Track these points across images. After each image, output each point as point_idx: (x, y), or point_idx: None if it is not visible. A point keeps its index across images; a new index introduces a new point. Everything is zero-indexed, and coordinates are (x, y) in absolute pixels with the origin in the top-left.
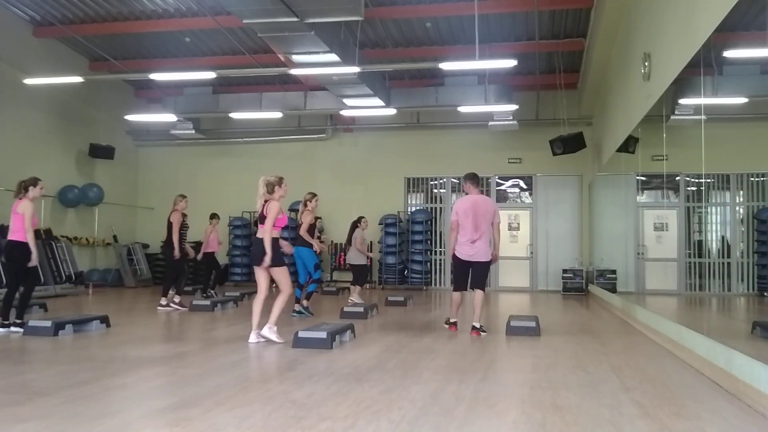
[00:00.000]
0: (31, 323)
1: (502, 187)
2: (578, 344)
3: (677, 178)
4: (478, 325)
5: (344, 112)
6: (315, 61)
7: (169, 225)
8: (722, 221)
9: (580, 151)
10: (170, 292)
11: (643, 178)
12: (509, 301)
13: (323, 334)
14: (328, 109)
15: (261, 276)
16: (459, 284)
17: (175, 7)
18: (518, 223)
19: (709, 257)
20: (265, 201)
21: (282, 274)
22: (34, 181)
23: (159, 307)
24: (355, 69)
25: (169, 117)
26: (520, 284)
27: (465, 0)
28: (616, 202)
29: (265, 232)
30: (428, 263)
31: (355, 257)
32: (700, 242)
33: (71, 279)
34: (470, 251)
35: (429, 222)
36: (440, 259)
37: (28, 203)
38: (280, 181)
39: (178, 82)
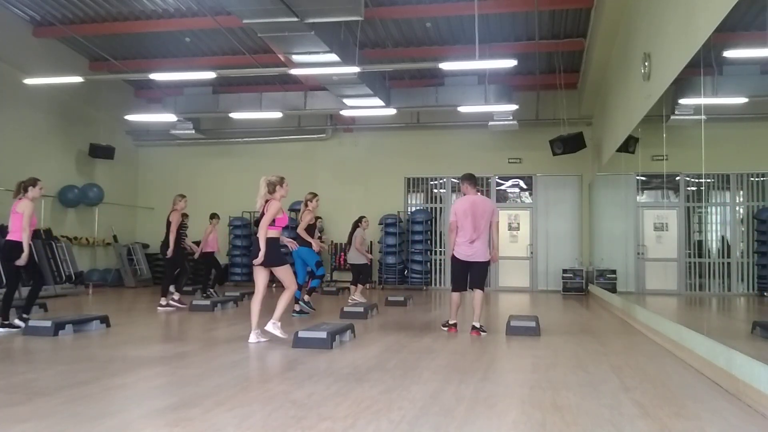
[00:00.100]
0: (31, 323)
1: (502, 187)
2: (578, 344)
3: (677, 178)
4: (478, 325)
5: (344, 112)
6: (315, 61)
7: (168, 224)
8: (722, 221)
9: (580, 151)
10: (170, 291)
11: (643, 178)
12: (509, 301)
13: (323, 334)
14: (328, 109)
15: (260, 276)
16: (458, 285)
17: (175, 7)
18: (518, 223)
19: (709, 257)
20: (266, 201)
21: (285, 273)
22: (34, 182)
23: (159, 307)
24: (355, 69)
25: (169, 117)
26: (520, 284)
27: (465, 0)
28: (616, 202)
29: (261, 229)
30: (428, 263)
31: (355, 257)
32: (700, 242)
33: (71, 279)
34: (469, 251)
35: (429, 222)
36: (440, 259)
37: (27, 203)
38: (282, 180)
39: (178, 82)
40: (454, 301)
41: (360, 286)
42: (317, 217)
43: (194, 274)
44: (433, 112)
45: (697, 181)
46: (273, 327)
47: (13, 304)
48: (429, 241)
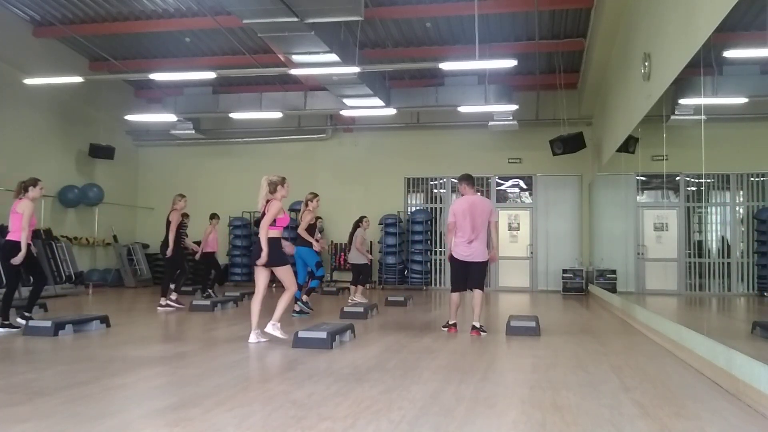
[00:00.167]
0: (31, 323)
1: (502, 187)
2: (578, 344)
3: (677, 178)
4: (478, 325)
5: (344, 112)
6: (315, 61)
7: (168, 224)
8: (722, 221)
9: (580, 151)
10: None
11: (643, 178)
12: (509, 301)
13: (323, 334)
14: (328, 109)
15: (260, 276)
16: (457, 285)
17: (175, 7)
18: (518, 223)
19: (709, 257)
20: (267, 201)
21: (286, 273)
22: (34, 182)
23: (159, 308)
24: (355, 69)
25: (169, 117)
26: (520, 284)
27: (465, 0)
28: (616, 202)
29: (262, 229)
30: (428, 263)
31: (355, 257)
32: (700, 242)
33: (71, 279)
34: (467, 252)
35: (429, 222)
36: (440, 259)
37: (27, 203)
38: (283, 181)
39: (178, 82)
40: (453, 302)
41: (360, 287)
42: (317, 217)
43: (194, 274)
44: (433, 112)
45: (697, 181)
46: (273, 328)
47: (13, 304)
48: (429, 241)
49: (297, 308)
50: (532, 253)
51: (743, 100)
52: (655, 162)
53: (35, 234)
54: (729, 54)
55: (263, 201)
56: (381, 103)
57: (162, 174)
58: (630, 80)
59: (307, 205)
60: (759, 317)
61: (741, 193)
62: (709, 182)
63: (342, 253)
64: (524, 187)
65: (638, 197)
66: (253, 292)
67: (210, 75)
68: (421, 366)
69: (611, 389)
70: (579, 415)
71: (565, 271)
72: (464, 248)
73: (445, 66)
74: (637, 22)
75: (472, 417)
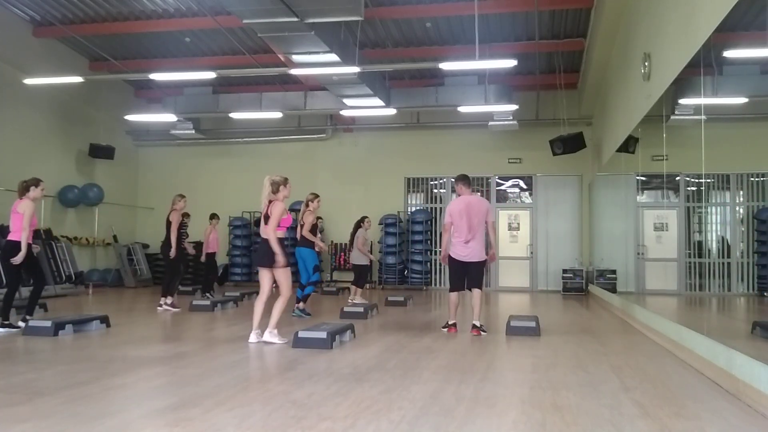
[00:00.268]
0: (31, 323)
1: (502, 187)
2: (578, 344)
3: (677, 178)
4: (478, 324)
5: (344, 112)
6: (315, 61)
7: (168, 224)
8: (722, 221)
9: (580, 151)
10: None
11: (643, 178)
12: (509, 301)
13: (323, 334)
14: (328, 109)
15: (265, 277)
16: (455, 285)
17: (175, 7)
18: (518, 223)
19: (709, 257)
20: (269, 201)
21: (284, 275)
22: (36, 182)
23: (159, 308)
24: (355, 69)
25: (169, 117)
26: (520, 284)
27: (465, 0)
28: (616, 202)
29: (269, 233)
30: (428, 263)
31: (357, 257)
32: (700, 242)
33: (71, 279)
34: (464, 252)
35: (429, 222)
36: (440, 260)
37: (28, 203)
38: (286, 181)
39: (178, 82)
40: (452, 302)
41: (359, 289)
42: (318, 218)
43: (194, 275)
44: (433, 112)
45: (697, 181)
46: (270, 335)
47: (13, 304)
48: (429, 241)
49: (300, 305)
50: (532, 253)
51: (743, 100)
52: (655, 162)
53: (35, 234)
54: (729, 54)
55: (266, 201)
56: (381, 103)
57: (162, 174)
58: (630, 80)
59: (307, 205)
60: (759, 317)
61: (741, 193)
62: (709, 182)
63: (342, 253)
64: (524, 187)
65: (638, 197)
66: (252, 292)
67: (210, 75)
68: (421, 366)
69: (611, 389)
70: (579, 415)
71: (565, 271)
72: (461, 248)
73: (445, 66)
74: (637, 22)
75: (472, 417)
